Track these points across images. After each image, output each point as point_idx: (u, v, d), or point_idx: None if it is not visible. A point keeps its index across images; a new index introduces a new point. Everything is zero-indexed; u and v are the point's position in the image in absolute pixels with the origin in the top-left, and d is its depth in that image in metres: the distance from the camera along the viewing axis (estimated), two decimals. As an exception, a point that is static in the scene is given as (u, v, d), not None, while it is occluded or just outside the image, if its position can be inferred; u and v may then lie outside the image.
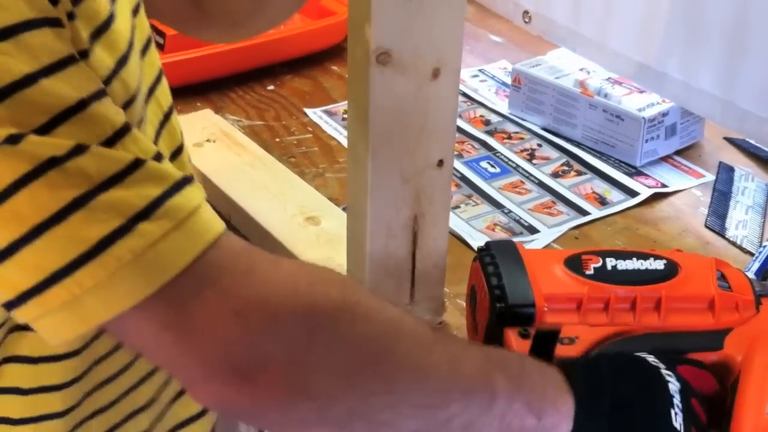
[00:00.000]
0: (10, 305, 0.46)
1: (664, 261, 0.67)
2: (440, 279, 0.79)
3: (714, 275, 0.66)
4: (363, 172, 0.70)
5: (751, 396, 0.59)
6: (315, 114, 1.17)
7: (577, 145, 1.10)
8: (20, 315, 0.47)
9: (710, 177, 1.05)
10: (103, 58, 0.50)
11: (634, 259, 0.66)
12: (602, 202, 1.00)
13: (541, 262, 0.66)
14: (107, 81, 0.50)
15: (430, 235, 0.76)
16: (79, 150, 0.44)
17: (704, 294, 0.65)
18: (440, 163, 0.73)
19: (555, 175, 1.05)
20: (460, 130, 1.11)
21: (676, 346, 0.62)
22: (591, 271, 0.65)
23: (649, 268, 0.66)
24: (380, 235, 0.73)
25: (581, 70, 1.13)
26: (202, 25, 0.76)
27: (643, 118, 1.03)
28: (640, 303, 0.64)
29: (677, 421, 0.54)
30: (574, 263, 0.65)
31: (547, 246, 0.93)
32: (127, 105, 0.52)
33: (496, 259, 0.66)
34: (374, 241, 0.73)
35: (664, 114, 1.05)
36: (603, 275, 0.65)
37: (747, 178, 1.04)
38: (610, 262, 0.66)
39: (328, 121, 1.16)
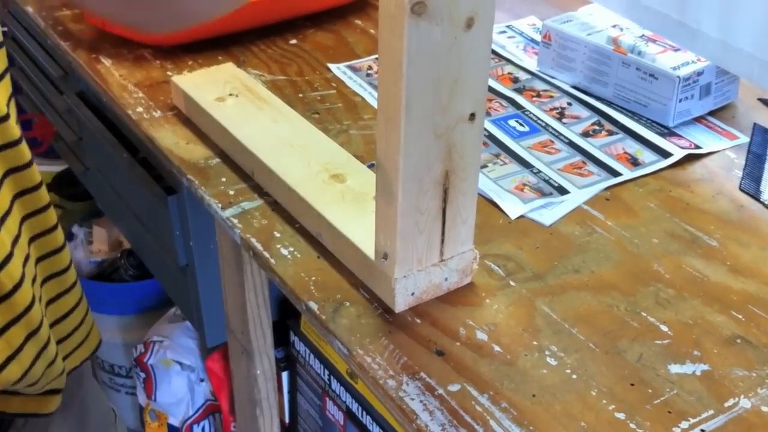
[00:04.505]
0: None
1: None
2: (469, 236, 0.77)
3: None
4: (395, 127, 0.68)
5: None
6: (339, 69, 1.15)
7: (609, 104, 1.07)
8: None
9: (744, 139, 1.02)
10: None
11: None
12: (634, 162, 0.97)
13: None
14: None
15: (461, 190, 0.74)
16: None
17: None
18: (472, 116, 0.71)
19: (585, 134, 1.02)
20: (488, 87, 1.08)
21: None
22: None
23: None
24: (411, 192, 0.71)
25: (614, 26, 1.10)
26: None
27: (678, 77, 1.00)
28: None
29: None
30: None
31: (577, 207, 0.90)
32: None
33: None
34: (405, 198, 0.71)
35: (699, 73, 1.02)
36: None
37: (783, 140, 1.01)
38: None
39: (353, 77, 1.13)
